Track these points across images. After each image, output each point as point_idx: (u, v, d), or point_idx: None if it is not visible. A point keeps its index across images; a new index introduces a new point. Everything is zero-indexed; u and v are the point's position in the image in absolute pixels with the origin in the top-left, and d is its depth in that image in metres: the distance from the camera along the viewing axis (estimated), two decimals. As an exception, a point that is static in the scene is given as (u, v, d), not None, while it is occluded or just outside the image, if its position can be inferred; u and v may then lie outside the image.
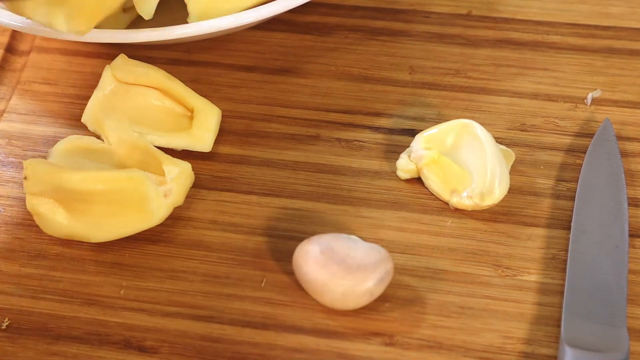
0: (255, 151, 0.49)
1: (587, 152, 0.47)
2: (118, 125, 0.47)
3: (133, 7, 0.51)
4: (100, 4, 0.38)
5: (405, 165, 0.47)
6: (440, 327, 0.41)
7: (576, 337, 0.40)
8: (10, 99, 0.51)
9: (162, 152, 0.46)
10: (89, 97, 0.49)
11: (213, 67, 0.52)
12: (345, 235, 0.42)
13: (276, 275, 0.44)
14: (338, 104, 0.51)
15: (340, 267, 0.40)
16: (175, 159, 0.46)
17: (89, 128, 0.49)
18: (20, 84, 0.52)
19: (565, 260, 0.43)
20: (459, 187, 0.45)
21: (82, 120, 0.49)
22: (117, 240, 0.44)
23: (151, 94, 0.49)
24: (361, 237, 0.43)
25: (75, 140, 0.47)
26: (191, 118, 0.48)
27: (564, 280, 0.43)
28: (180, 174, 0.45)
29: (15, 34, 0.54)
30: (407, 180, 0.47)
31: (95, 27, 0.50)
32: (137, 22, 0.53)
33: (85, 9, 0.37)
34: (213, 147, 0.48)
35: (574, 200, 0.45)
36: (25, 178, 0.44)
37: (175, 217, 0.46)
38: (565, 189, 0.46)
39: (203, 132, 0.48)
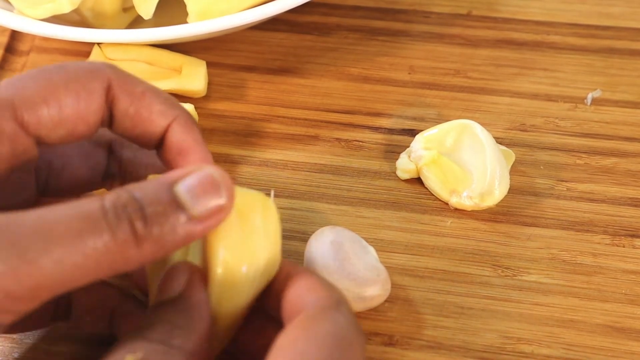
0: (255, 151, 0.48)
1: None
2: None
3: (133, 7, 0.51)
4: None
5: (405, 165, 0.47)
6: (440, 327, 0.41)
7: None
8: (10, 99, 0.51)
9: None
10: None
11: (213, 67, 0.52)
12: (363, 243, 0.42)
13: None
14: (338, 104, 0.51)
15: (343, 275, 0.40)
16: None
17: None
18: (20, 84, 0.52)
19: (565, 261, 0.43)
20: (459, 188, 0.45)
21: None
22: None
23: (140, 65, 0.50)
24: (361, 237, 0.43)
25: None
26: (180, 72, 0.50)
27: (563, 280, 0.43)
28: None
29: (15, 34, 0.54)
30: (407, 180, 0.47)
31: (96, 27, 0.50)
32: (137, 22, 0.53)
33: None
34: (212, 147, 0.48)
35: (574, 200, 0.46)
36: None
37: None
38: (565, 189, 0.46)
39: (194, 75, 0.50)
